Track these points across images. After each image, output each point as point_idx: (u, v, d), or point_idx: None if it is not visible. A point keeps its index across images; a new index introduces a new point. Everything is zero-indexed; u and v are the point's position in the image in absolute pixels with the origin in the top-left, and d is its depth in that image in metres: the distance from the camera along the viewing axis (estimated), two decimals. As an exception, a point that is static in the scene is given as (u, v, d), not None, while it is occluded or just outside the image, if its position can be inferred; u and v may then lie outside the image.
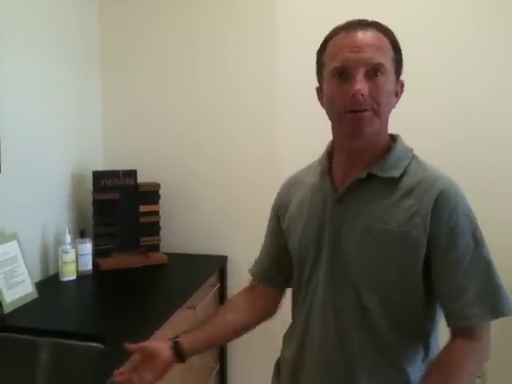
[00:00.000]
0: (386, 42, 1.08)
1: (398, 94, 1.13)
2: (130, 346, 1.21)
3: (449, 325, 1.07)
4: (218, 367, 2.34)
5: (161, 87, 2.47)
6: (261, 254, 1.39)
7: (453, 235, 1.05)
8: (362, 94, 1.03)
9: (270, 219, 1.36)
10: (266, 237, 1.38)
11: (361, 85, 1.03)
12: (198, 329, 1.27)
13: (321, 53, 1.14)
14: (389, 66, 1.07)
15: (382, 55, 1.06)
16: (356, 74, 1.04)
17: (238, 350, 2.46)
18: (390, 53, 1.09)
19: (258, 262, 1.38)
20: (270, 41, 2.33)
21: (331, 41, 1.11)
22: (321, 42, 1.14)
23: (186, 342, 1.22)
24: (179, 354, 1.21)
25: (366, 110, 1.05)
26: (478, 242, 1.06)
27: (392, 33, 1.11)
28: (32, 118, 1.99)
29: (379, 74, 1.05)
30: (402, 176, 1.10)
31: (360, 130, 1.06)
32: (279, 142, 2.37)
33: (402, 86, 1.14)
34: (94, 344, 1.47)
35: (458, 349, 1.05)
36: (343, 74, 1.06)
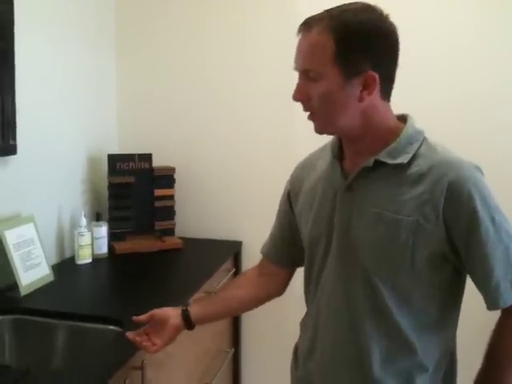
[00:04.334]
0: (324, 40, 1.03)
1: (368, 88, 1.04)
2: (138, 318, 1.30)
3: (487, 308, 1.07)
4: (232, 352, 2.33)
5: (176, 70, 2.44)
6: (271, 234, 1.39)
7: (472, 223, 1.02)
8: (298, 99, 1.09)
9: (282, 200, 1.35)
10: (277, 217, 1.38)
11: (295, 90, 1.09)
12: (209, 300, 1.41)
13: None
14: (324, 68, 1.03)
15: (309, 60, 1.06)
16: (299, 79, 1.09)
17: (252, 335, 2.46)
18: (328, 51, 1.02)
19: (268, 243, 1.39)
20: (287, 22, 2.27)
21: None
22: None
23: (195, 311, 1.31)
24: (188, 322, 1.30)
25: (308, 111, 1.11)
26: (497, 226, 1.04)
27: (342, 24, 1.03)
28: (47, 101, 1.97)
29: (312, 78, 1.06)
30: (411, 161, 1.07)
31: (315, 128, 1.12)
32: (295, 126, 2.33)
33: (372, 78, 1.04)
34: (112, 327, 1.47)
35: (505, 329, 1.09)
36: None
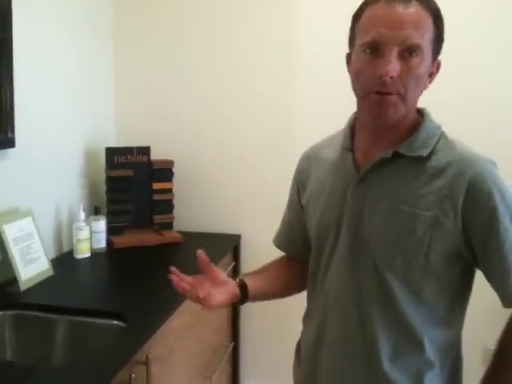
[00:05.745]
0: (427, 19, 0.99)
1: (432, 75, 1.06)
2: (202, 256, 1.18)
3: (504, 306, 1.05)
4: (231, 346, 2.33)
5: (174, 63, 2.42)
6: (282, 226, 1.37)
7: (491, 222, 1.00)
8: (392, 77, 0.97)
9: (291, 193, 1.33)
10: (286, 208, 1.36)
11: (391, 66, 0.96)
12: (262, 279, 1.26)
13: (355, 20, 1.05)
14: (426, 46, 0.99)
15: (420, 35, 0.97)
16: (389, 53, 0.97)
17: (251, 330, 2.46)
18: (430, 32, 1.00)
19: (279, 235, 1.37)
20: (288, 14, 2.28)
21: (368, 9, 1.02)
22: (358, 6, 1.05)
23: (251, 286, 1.20)
24: (243, 295, 1.19)
25: (391, 93, 0.99)
26: None
27: (437, 7, 1.02)
28: (45, 94, 1.94)
29: (414, 55, 0.98)
30: (430, 155, 1.05)
31: (384, 113, 1.01)
32: (294, 119, 2.33)
33: (439, 65, 1.07)
34: (115, 322, 1.46)
35: None
36: (375, 50, 0.99)
